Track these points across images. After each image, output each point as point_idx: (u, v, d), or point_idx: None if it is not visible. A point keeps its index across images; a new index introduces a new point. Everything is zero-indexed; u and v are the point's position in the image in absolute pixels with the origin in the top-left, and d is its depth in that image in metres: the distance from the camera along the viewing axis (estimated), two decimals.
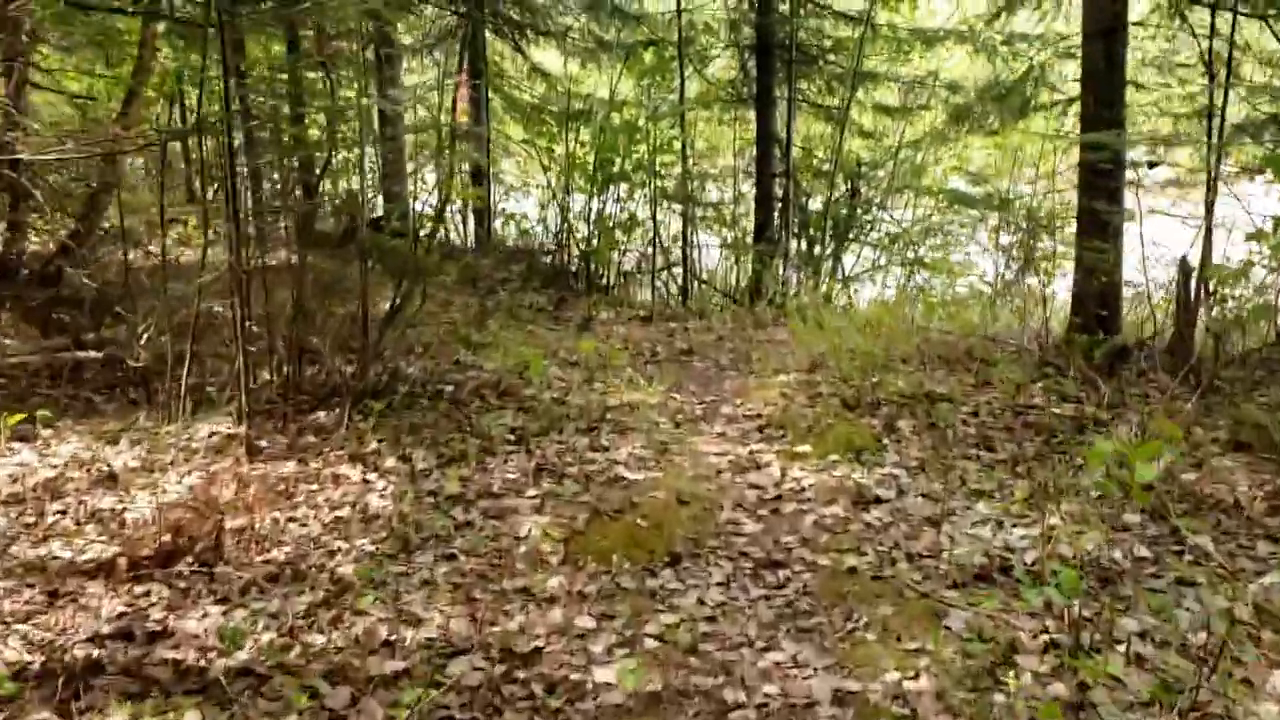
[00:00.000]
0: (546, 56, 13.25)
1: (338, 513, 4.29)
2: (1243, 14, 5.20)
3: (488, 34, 13.21)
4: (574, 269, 9.69)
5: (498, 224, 12.52)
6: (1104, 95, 5.85)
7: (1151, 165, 5.21)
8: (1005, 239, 10.22)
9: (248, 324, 5.92)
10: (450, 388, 6.04)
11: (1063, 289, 8.11)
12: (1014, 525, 3.89)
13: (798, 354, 6.78)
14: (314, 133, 7.29)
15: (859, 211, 11.03)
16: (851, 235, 11.41)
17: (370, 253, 5.80)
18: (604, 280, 9.41)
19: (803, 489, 4.41)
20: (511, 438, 5.10)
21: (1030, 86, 6.32)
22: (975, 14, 8.59)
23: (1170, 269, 6.74)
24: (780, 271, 9.38)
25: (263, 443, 5.16)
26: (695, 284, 10.35)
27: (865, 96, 10.94)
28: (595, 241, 8.92)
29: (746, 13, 10.45)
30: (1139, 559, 3.55)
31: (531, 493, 4.37)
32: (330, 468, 4.79)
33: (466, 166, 13.81)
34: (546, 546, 3.85)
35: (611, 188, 9.07)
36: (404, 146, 10.37)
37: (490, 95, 13.00)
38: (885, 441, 4.96)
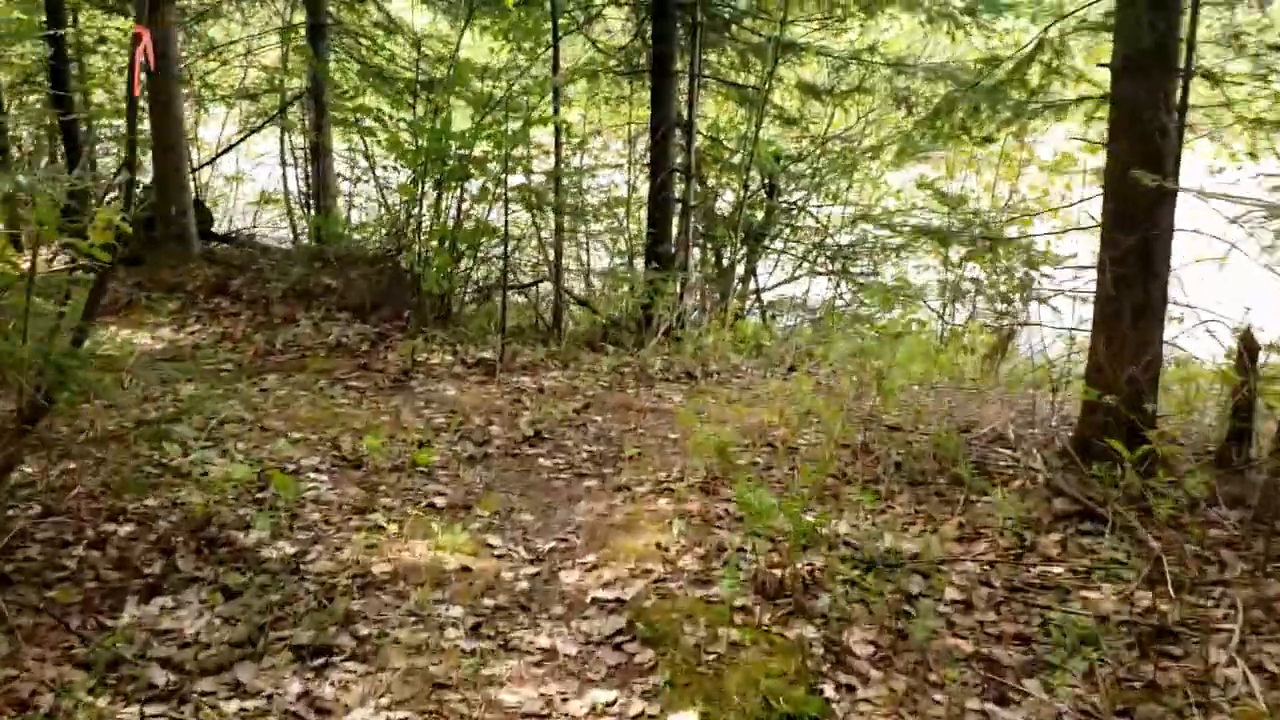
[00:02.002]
0: (396, 8, 10.81)
1: None
2: None
3: None
4: (412, 285, 7.35)
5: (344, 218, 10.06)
6: (1154, 94, 3.80)
7: None
8: (957, 255, 8.21)
9: None
10: (128, 529, 3.73)
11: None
12: None
13: (691, 452, 4.63)
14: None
15: (777, 214, 8.94)
16: (766, 243, 9.34)
17: None
18: (444, 304, 7.10)
19: None
20: (160, 683, 2.82)
21: (1038, 73, 4.25)
22: None
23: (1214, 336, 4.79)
24: (678, 298, 7.22)
25: None
26: (569, 307, 8.14)
27: (788, 74, 8.82)
28: (425, 258, 6.58)
29: None
30: None
31: None
32: None
33: (300, 141, 11.33)
34: None
35: (454, 185, 6.74)
36: (179, 115, 7.74)
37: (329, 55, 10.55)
38: (829, 691, 2.84)
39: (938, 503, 4.11)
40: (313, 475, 4.36)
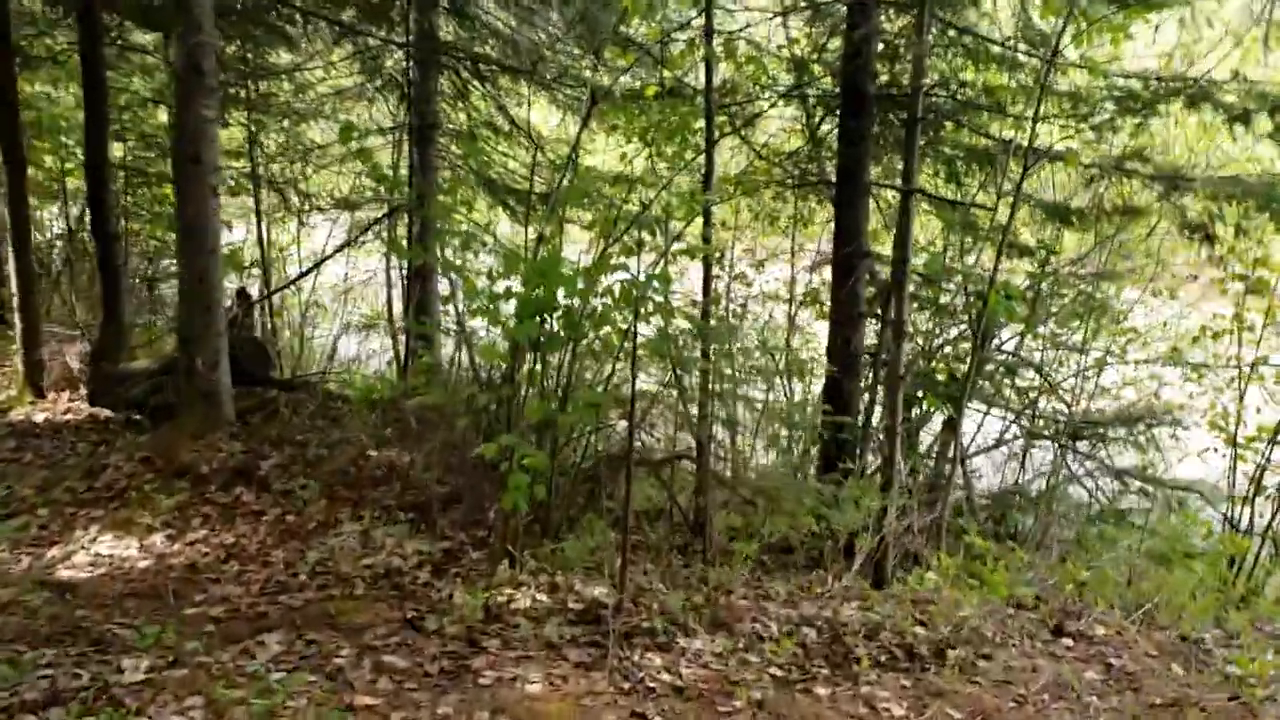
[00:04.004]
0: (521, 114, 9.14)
1: None
2: None
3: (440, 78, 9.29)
4: (499, 483, 5.30)
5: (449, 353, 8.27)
6: None
7: None
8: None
9: None
10: None
11: None
12: None
13: None
14: None
15: (1000, 373, 6.64)
16: (978, 405, 7.02)
17: None
18: (541, 510, 5.01)
19: None
20: None
21: None
22: None
23: None
24: (881, 515, 4.94)
25: None
26: (717, 502, 5.96)
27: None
28: (511, 457, 4.48)
29: (821, 37, 6.19)
30: None
31: None
32: None
33: (396, 262, 9.69)
34: None
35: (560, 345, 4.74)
36: (211, 236, 5.80)
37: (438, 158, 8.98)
38: None
39: None
40: None
